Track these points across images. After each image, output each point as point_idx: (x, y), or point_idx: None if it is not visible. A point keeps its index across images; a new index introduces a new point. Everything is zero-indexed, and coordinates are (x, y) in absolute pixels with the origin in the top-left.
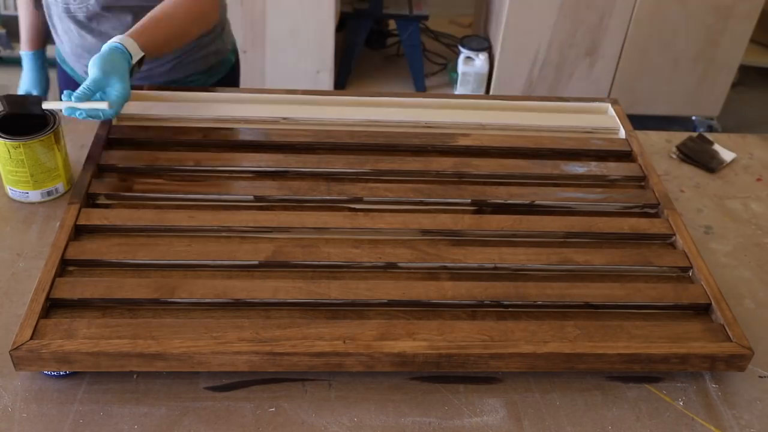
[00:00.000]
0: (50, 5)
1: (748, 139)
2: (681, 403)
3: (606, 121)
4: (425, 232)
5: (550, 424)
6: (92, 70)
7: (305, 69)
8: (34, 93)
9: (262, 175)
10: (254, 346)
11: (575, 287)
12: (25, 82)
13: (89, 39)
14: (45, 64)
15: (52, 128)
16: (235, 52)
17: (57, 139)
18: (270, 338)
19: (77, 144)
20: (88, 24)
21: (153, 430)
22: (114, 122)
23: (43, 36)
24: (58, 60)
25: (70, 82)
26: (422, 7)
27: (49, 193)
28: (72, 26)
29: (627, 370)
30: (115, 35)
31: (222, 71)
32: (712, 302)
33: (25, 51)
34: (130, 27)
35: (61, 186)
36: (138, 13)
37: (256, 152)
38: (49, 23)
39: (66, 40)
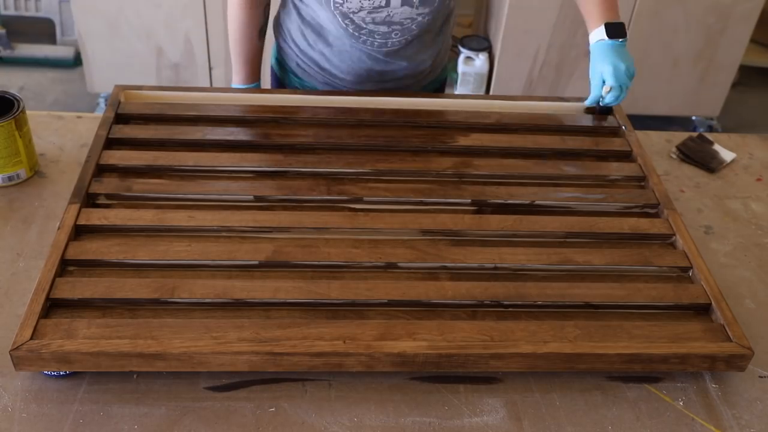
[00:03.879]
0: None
1: (748, 139)
2: (681, 403)
3: (606, 121)
4: (425, 232)
5: (550, 424)
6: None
7: None
8: None
9: (262, 175)
10: (254, 346)
11: (575, 287)
12: None
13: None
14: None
15: (13, 114)
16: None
17: (19, 125)
18: (270, 338)
19: (77, 144)
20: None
21: (153, 430)
22: (121, 106)
23: (260, 66)
24: (279, 71)
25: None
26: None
27: (10, 179)
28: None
29: (627, 370)
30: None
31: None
32: (712, 302)
33: (245, 84)
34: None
35: (23, 172)
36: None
37: (256, 152)
38: (302, 43)
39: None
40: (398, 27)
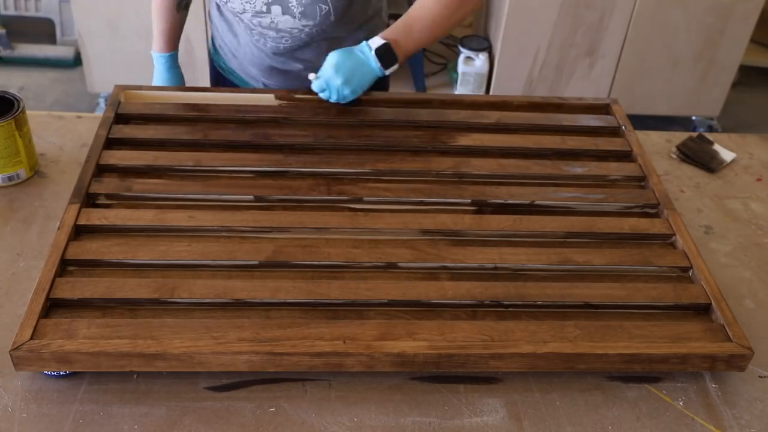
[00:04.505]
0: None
1: (748, 139)
2: (681, 403)
3: (606, 121)
4: (425, 232)
5: (550, 424)
6: None
7: None
8: None
9: (262, 175)
10: (254, 346)
11: (575, 287)
12: (159, 83)
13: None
14: (178, 64)
15: (13, 114)
16: None
17: (19, 125)
18: (270, 338)
19: (77, 144)
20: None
21: (153, 430)
22: (121, 105)
23: (179, 37)
24: (214, 56)
25: (224, 81)
26: None
27: (10, 179)
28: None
29: (627, 370)
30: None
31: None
32: (712, 302)
33: (160, 53)
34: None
35: (22, 172)
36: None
37: (256, 152)
38: (221, 27)
39: (249, 53)
40: (287, 34)
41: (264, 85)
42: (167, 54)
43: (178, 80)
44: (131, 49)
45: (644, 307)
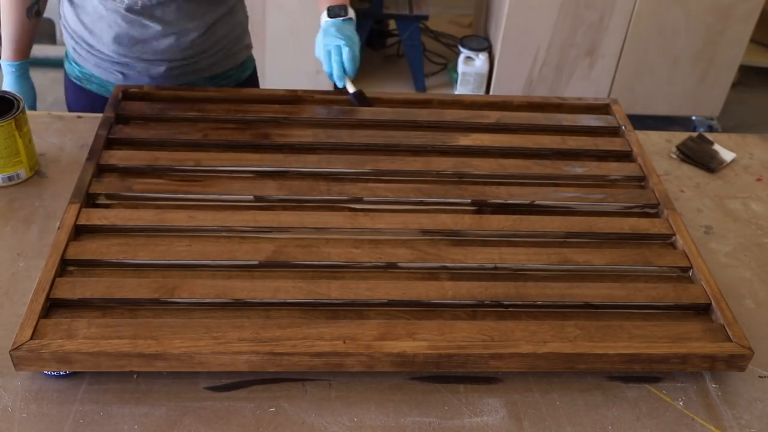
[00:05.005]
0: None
1: (748, 139)
2: (681, 403)
3: (606, 121)
4: (425, 232)
5: (550, 424)
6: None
7: (305, 69)
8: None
9: (262, 175)
10: (254, 346)
11: (575, 287)
12: (10, 89)
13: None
14: (29, 74)
15: (12, 114)
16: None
17: (19, 125)
18: (270, 338)
19: (77, 144)
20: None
21: (153, 430)
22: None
23: (31, 45)
24: (69, 69)
25: (90, 101)
26: (422, 7)
27: (10, 179)
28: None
29: (627, 370)
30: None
31: (250, 66)
32: (712, 302)
33: (9, 62)
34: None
35: (23, 172)
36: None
37: (256, 152)
38: (71, 19)
39: (107, 33)
40: (120, 4)
41: (122, 74)
42: (17, 63)
43: (29, 90)
44: None
45: (644, 307)
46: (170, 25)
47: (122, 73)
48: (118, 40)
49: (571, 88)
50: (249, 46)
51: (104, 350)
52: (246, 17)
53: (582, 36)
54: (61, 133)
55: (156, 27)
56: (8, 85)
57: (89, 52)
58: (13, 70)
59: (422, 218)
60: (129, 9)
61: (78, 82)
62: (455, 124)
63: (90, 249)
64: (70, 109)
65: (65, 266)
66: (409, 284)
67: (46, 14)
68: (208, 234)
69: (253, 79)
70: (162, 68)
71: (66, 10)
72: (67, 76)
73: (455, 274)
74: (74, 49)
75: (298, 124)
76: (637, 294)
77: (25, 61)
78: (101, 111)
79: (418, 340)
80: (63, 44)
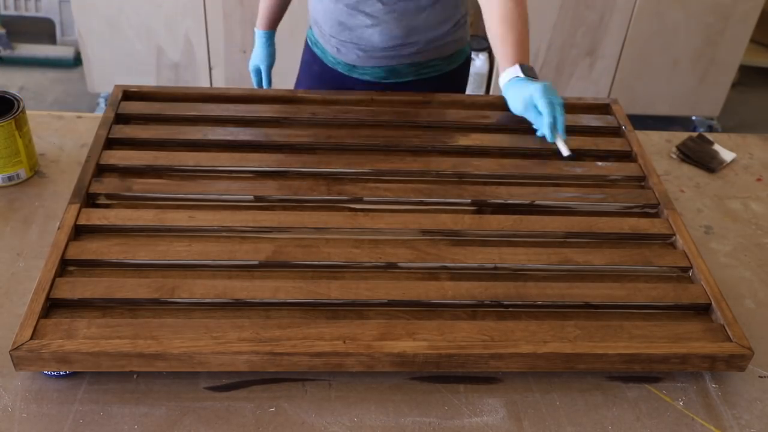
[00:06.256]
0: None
1: (748, 139)
2: (681, 403)
3: (606, 121)
4: (425, 232)
5: (550, 424)
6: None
7: None
8: (262, 67)
9: (262, 175)
10: (254, 346)
11: (575, 287)
12: (255, 57)
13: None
14: (274, 42)
15: (12, 114)
16: (469, 43)
17: (19, 125)
18: (270, 338)
19: (77, 144)
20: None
21: (153, 430)
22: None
23: (280, 18)
24: (310, 42)
25: (316, 62)
26: None
27: (10, 179)
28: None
29: (627, 370)
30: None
31: (459, 60)
32: (712, 302)
33: (261, 30)
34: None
35: (23, 172)
36: None
37: (256, 152)
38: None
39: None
40: None
41: (336, 48)
42: (267, 31)
43: (271, 57)
44: (131, 49)
45: (644, 307)
46: (375, 19)
47: (336, 48)
48: (332, 22)
49: (571, 88)
50: (461, 41)
51: (104, 350)
52: (462, 14)
53: (582, 36)
54: (61, 133)
55: (364, 20)
56: (256, 48)
57: (315, 27)
58: (261, 37)
59: (422, 218)
60: (346, 4)
61: (311, 47)
62: (455, 124)
63: (90, 249)
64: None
65: (65, 266)
66: (409, 284)
67: (46, 14)
68: (208, 234)
69: (460, 72)
70: (367, 52)
71: None
72: (307, 44)
73: (455, 274)
74: (312, 18)
75: (298, 124)
76: (637, 294)
77: (273, 31)
78: (320, 72)
79: (418, 340)
80: (64, 44)
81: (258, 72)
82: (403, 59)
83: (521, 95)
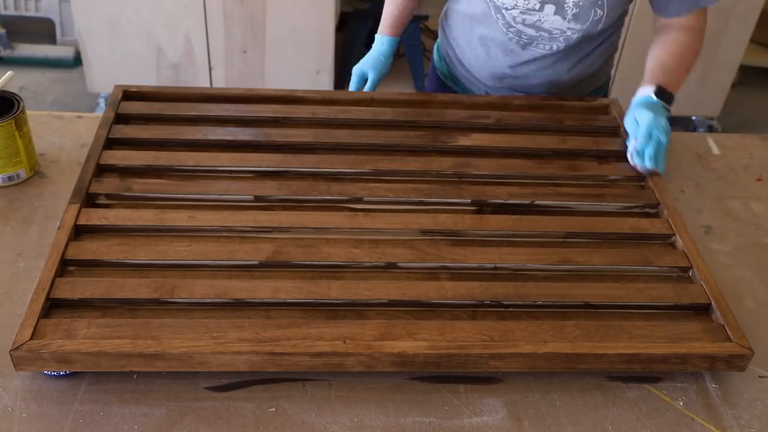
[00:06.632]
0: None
1: (748, 139)
2: (681, 403)
3: (606, 121)
4: (425, 232)
5: (550, 424)
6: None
7: (305, 69)
8: (371, 74)
9: (262, 175)
10: (254, 346)
11: (575, 287)
12: (366, 62)
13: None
14: (394, 51)
15: (13, 114)
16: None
17: (19, 125)
18: (270, 338)
19: (77, 144)
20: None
21: (153, 430)
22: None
23: (404, 25)
24: (438, 64)
25: (441, 86)
26: (422, 7)
27: (10, 179)
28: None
29: (627, 370)
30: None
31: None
32: (712, 302)
33: (383, 35)
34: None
35: (23, 172)
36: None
37: (256, 152)
38: (453, 33)
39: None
40: (546, 35)
41: (485, 91)
42: (389, 37)
43: (386, 66)
44: (131, 49)
45: (644, 307)
46: (543, 61)
47: (485, 91)
48: (495, 78)
49: None
50: (608, 71)
51: (104, 350)
52: (615, 48)
53: None
54: (61, 133)
55: (531, 67)
56: (372, 52)
57: (460, 64)
58: (382, 43)
59: (422, 218)
60: (511, 65)
61: (443, 79)
62: (455, 124)
63: (90, 249)
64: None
65: (65, 266)
66: (409, 284)
67: (46, 14)
68: (208, 234)
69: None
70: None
71: (456, 28)
72: (433, 65)
73: (455, 274)
74: (448, 53)
75: (298, 124)
76: (637, 294)
77: (395, 38)
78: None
79: (418, 340)
80: (64, 44)
81: (362, 76)
82: (558, 88)
83: (635, 114)
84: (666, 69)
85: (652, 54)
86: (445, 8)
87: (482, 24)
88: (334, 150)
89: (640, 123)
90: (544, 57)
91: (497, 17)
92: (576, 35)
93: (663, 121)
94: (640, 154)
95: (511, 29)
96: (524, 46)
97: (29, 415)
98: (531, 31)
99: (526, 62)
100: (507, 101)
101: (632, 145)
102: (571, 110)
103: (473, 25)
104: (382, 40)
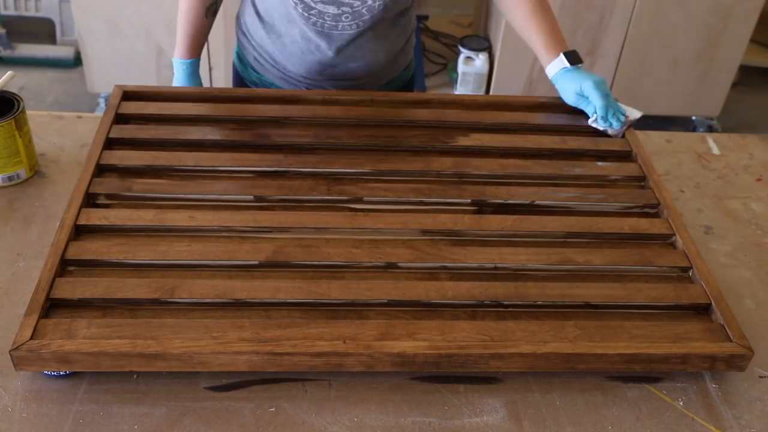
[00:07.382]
0: (289, 15)
1: (748, 139)
2: (681, 403)
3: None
4: (425, 232)
5: (550, 424)
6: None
7: None
8: None
9: (262, 175)
10: (254, 346)
11: (575, 287)
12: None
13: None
14: (198, 71)
15: (13, 114)
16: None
17: (19, 125)
18: (270, 338)
19: (77, 144)
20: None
21: (153, 430)
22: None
23: (203, 44)
24: (243, 72)
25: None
26: (422, 7)
27: (10, 179)
28: (317, 39)
29: (627, 370)
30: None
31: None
32: (712, 302)
33: (182, 59)
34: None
35: (23, 172)
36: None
37: (256, 152)
38: (258, 35)
39: (293, 51)
40: (348, 9)
41: (306, 87)
42: (189, 60)
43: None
44: (131, 49)
45: (644, 307)
46: (362, 48)
47: (306, 87)
48: (311, 70)
49: None
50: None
51: (104, 350)
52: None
53: (582, 36)
54: (61, 133)
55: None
56: (178, 81)
57: (275, 67)
58: (185, 67)
59: (422, 218)
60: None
61: (252, 85)
62: (455, 124)
63: (90, 249)
64: None
65: (65, 266)
66: (409, 284)
67: (46, 14)
68: (208, 234)
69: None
70: (343, 85)
71: (252, 25)
72: (237, 73)
73: (455, 274)
74: (256, 59)
75: (298, 124)
76: (637, 294)
77: (196, 59)
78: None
79: (418, 340)
80: (64, 44)
81: None
82: (367, 81)
83: (572, 88)
84: (548, 31)
85: (524, 24)
86: (238, 17)
87: (284, 18)
88: (334, 150)
89: (586, 92)
90: (354, 39)
91: (295, 2)
92: (378, 4)
93: (597, 79)
94: (605, 118)
95: (312, 12)
96: (330, 30)
97: (29, 415)
98: (332, 9)
99: (339, 49)
100: (507, 101)
101: (593, 114)
102: (571, 110)
103: (275, 24)
104: (184, 65)
